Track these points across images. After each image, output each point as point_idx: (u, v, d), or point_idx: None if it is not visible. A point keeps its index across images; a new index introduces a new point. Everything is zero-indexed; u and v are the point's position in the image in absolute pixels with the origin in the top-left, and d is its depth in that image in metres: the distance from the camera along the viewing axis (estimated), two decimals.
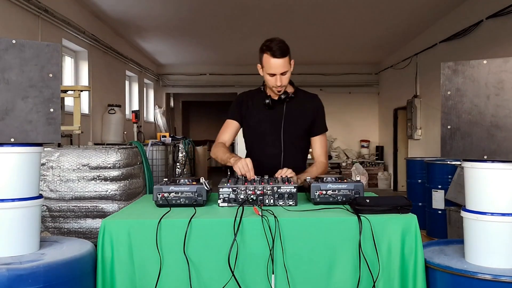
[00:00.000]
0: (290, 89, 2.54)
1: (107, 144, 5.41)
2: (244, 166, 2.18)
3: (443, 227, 4.88)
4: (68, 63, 7.08)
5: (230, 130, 2.59)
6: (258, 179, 2.10)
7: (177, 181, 2.04)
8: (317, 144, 2.63)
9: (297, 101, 2.54)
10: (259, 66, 2.47)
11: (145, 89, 11.41)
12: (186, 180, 2.04)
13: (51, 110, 1.70)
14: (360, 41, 9.51)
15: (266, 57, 2.37)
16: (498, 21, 5.82)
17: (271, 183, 2.00)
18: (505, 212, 1.73)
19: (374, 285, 1.74)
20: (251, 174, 2.15)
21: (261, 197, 1.97)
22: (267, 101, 2.49)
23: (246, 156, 2.50)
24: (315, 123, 2.60)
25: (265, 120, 2.54)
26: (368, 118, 12.59)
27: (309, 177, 2.19)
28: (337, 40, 9.44)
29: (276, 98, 2.50)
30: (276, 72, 2.37)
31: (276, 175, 2.23)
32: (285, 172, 2.23)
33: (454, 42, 7.14)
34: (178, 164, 6.28)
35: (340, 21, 7.99)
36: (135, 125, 7.52)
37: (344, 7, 7.18)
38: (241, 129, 2.63)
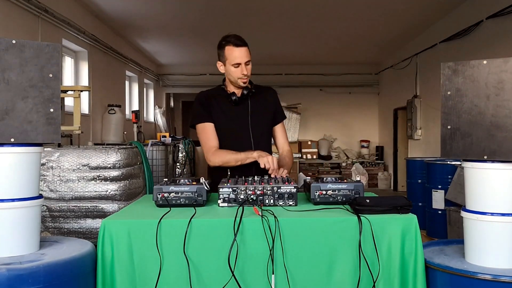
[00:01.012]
0: (248, 85, 2.58)
1: (107, 144, 5.41)
2: (271, 162, 2.25)
3: (443, 227, 4.88)
4: (68, 63, 7.08)
5: (213, 134, 2.55)
6: (258, 179, 2.10)
7: (177, 181, 2.04)
8: (279, 132, 2.71)
9: (258, 95, 2.59)
10: (219, 63, 2.53)
11: (145, 89, 11.41)
12: (186, 180, 2.04)
13: (51, 110, 1.71)
14: (360, 41, 9.50)
15: (229, 49, 2.45)
16: (498, 21, 5.82)
17: (271, 183, 2.01)
18: (505, 212, 1.73)
19: (374, 285, 1.74)
20: (276, 168, 2.24)
21: (261, 197, 1.97)
22: (233, 97, 2.52)
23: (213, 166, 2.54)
24: (276, 113, 2.68)
25: (232, 117, 2.55)
26: (368, 118, 12.59)
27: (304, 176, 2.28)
28: (337, 40, 9.43)
29: (239, 94, 2.53)
30: (241, 61, 2.43)
31: (273, 175, 2.25)
32: (281, 173, 2.28)
33: (454, 42, 7.14)
34: (178, 164, 6.28)
35: (340, 21, 7.99)
36: (135, 125, 7.51)
37: (344, 7, 7.18)
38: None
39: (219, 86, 2.62)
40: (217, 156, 2.49)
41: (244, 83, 2.49)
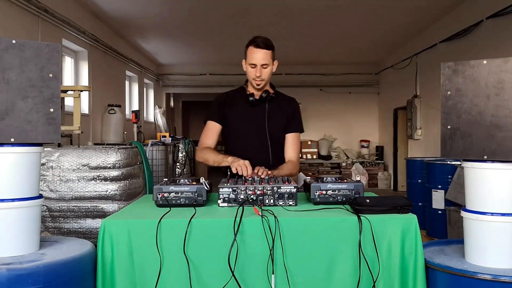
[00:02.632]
0: (270, 90, 2.61)
1: (107, 144, 5.41)
2: (242, 165, 2.20)
3: (443, 227, 4.88)
4: (68, 63, 7.08)
5: (213, 133, 2.59)
6: (258, 179, 2.10)
7: (177, 181, 2.04)
8: (290, 141, 2.64)
9: (277, 101, 2.60)
10: (243, 62, 2.56)
11: (145, 89, 11.40)
12: (186, 180, 2.04)
13: (51, 110, 1.70)
14: (360, 41, 9.50)
15: (250, 49, 2.47)
16: (498, 21, 5.82)
17: (271, 183, 2.01)
18: (505, 212, 1.73)
19: (374, 285, 1.74)
20: (249, 173, 2.18)
21: (261, 197, 1.97)
22: (251, 98, 2.53)
23: (227, 154, 2.51)
24: (292, 122, 2.64)
25: (249, 118, 2.56)
26: (368, 118, 12.59)
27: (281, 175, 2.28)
28: (337, 40, 9.43)
29: (258, 97, 2.54)
30: (257, 63, 2.44)
31: (252, 175, 2.20)
32: (262, 173, 2.22)
33: (454, 42, 7.14)
34: (178, 164, 6.28)
35: (340, 21, 7.98)
36: (135, 125, 7.51)
37: (344, 7, 7.18)
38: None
39: (242, 86, 2.66)
40: (201, 152, 2.56)
41: (258, 85, 2.51)
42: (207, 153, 2.51)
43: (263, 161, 2.42)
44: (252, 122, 2.56)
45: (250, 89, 2.59)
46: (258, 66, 2.45)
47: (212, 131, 2.59)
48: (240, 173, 2.20)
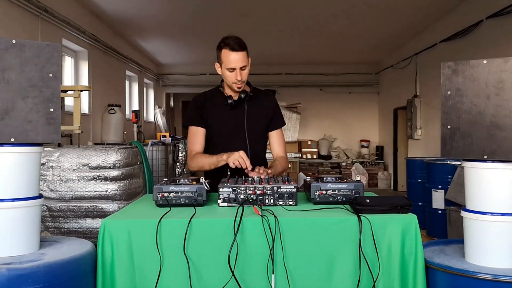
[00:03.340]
0: (247, 88, 2.55)
1: (107, 144, 5.41)
2: (238, 158, 2.19)
3: (443, 227, 4.88)
4: (68, 63, 7.08)
5: (200, 138, 2.53)
6: (258, 179, 2.10)
7: (177, 181, 2.04)
8: (275, 139, 2.63)
9: (256, 99, 2.55)
10: (217, 64, 2.49)
11: (145, 89, 11.40)
12: (186, 180, 2.04)
13: (51, 110, 1.70)
14: (360, 41, 9.50)
15: (225, 52, 2.39)
16: (498, 21, 5.82)
17: (271, 183, 2.00)
18: (505, 212, 1.73)
19: (374, 285, 1.74)
20: (248, 165, 2.17)
21: (261, 197, 1.97)
22: (229, 101, 2.48)
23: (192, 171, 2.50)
24: (273, 119, 2.62)
25: (227, 120, 2.52)
26: (368, 118, 12.59)
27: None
28: (337, 40, 9.43)
29: (236, 98, 2.50)
30: (236, 66, 2.38)
31: (251, 175, 2.19)
32: (262, 173, 2.21)
33: (454, 42, 7.14)
34: (178, 164, 6.28)
35: (340, 21, 7.99)
36: (135, 125, 7.51)
37: (344, 8, 7.18)
38: None
39: (217, 88, 2.59)
40: (193, 161, 2.49)
41: (239, 88, 2.45)
42: (200, 160, 2.45)
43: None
44: (231, 125, 2.51)
45: (228, 91, 2.52)
46: (238, 69, 2.38)
47: (197, 136, 2.53)
48: (239, 167, 2.18)
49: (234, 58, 2.37)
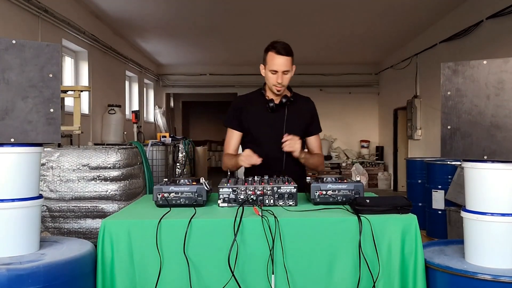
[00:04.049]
0: (287, 93, 2.61)
1: (107, 144, 5.41)
2: (247, 157, 2.33)
3: (443, 227, 4.87)
4: (68, 63, 7.08)
5: (233, 140, 2.63)
6: (258, 179, 2.10)
7: (177, 181, 2.04)
8: (313, 144, 2.70)
9: (296, 104, 2.59)
10: (261, 66, 2.55)
11: (145, 89, 11.40)
12: (186, 180, 2.04)
13: (51, 110, 1.70)
14: (360, 41, 9.50)
15: (271, 55, 2.46)
16: (498, 21, 5.82)
17: (271, 183, 2.01)
18: (505, 212, 1.73)
19: (374, 285, 1.74)
20: (255, 159, 2.31)
21: (261, 197, 1.97)
22: (271, 104, 2.53)
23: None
24: (311, 125, 2.68)
25: (267, 123, 2.56)
26: (368, 118, 12.59)
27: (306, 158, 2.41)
28: (337, 40, 9.43)
29: (277, 101, 2.54)
30: (278, 69, 2.44)
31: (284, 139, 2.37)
32: (290, 141, 2.36)
33: (454, 42, 7.14)
34: (178, 164, 6.28)
35: (340, 21, 7.99)
36: (135, 125, 7.52)
37: (344, 7, 7.18)
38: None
39: (259, 90, 2.64)
40: (223, 161, 2.64)
41: (278, 91, 2.51)
42: (226, 161, 2.58)
43: (276, 168, 2.42)
44: (270, 128, 2.56)
45: (269, 94, 2.58)
46: (280, 72, 2.45)
47: (232, 138, 2.63)
48: (254, 163, 2.32)
49: (278, 61, 2.44)
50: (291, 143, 2.38)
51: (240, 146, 2.68)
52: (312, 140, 2.69)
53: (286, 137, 2.39)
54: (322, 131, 2.77)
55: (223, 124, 2.68)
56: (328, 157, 12.01)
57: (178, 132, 14.10)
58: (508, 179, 1.74)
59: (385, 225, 1.78)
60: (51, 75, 1.71)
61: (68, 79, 7.02)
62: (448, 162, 5.23)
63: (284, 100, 2.53)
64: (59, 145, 3.93)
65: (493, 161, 1.75)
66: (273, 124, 2.54)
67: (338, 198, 2.00)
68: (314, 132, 2.68)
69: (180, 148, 6.48)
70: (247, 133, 2.61)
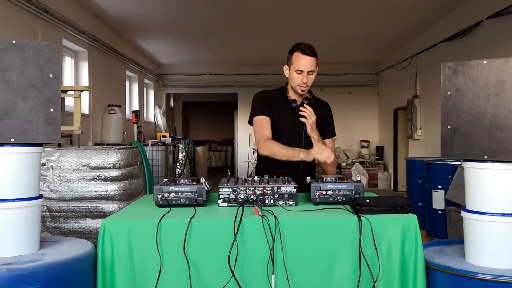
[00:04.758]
0: (307, 95, 2.63)
1: (107, 144, 5.41)
2: (319, 152, 2.26)
3: (443, 227, 4.88)
4: (68, 63, 7.08)
5: (268, 126, 2.55)
6: (258, 179, 2.11)
7: (177, 181, 2.04)
8: (328, 147, 2.66)
9: (315, 107, 2.60)
10: (285, 67, 2.59)
11: (145, 89, 11.40)
12: (186, 180, 2.04)
13: (51, 110, 1.71)
14: (360, 41, 9.50)
15: (297, 55, 2.50)
16: (498, 21, 5.82)
17: (271, 183, 2.01)
18: (505, 212, 1.73)
19: (374, 285, 1.74)
20: (330, 155, 2.25)
21: (261, 197, 1.97)
22: (293, 104, 2.55)
23: (261, 155, 2.53)
24: (326, 128, 2.70)
25: (288, 122, 2.58)
26: (368, 118, 12.59)
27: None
28: (337, 40, 9.43)
29: (299, 102, 2.57)
30: (304, 69, 2.48)
31: (302, 109, 2.44)
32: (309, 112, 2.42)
33: (454, 42, 7.14)
34: (178, 164, 6.28)
35: (340, 21, 7.99)
36: (135, 125, 7.52)
37: (344, 7, 7.18)
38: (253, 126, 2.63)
39: (281, 89, 2.66)
40: (266, 145, 2.47)
41: (303, 91, 2.53)
42: (274, 146, 2.43)
43: (293, 167, 2.42)
44: (291, 127, 2.57)
45: (291, 94, 2.60)
46: (305, 72, 2.48)
47: (266, 123, 2.55)
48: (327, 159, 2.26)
49: (304, 61, 2.48)
50: (312, 111, 2.41)
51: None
52: (326, 144, 2.66)
53: (305, 108, 2.42)
54: (336, 136, 2.77)
55: (249, 120, 2.61)
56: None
57: (178, 132, 14.10)
58: (508, 179, 1.74)
59: (385, 225, 1.78)
60: (51, 75, 1.71)
61: (68, 79, 7.03)
62: (448, 162, 5.23)
63: (306, 102, 2.55)
64: (59, 145, 3.93)
65: (493, 161, 1.75)
66: (294, 124, 2.56)
67: (338, 198, 2.00)
68: (328, 136, 2.69)
69: (180, 148, 6.48)
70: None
